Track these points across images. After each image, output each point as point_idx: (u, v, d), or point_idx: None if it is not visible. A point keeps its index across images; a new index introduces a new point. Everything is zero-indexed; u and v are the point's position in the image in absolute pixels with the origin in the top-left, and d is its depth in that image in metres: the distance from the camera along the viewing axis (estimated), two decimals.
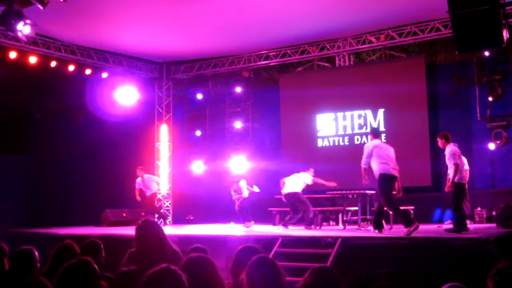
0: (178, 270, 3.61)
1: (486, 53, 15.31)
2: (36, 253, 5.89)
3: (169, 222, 20.14)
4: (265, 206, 16.26)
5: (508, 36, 9.93)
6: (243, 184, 15.78)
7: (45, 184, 20.60)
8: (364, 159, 11.97)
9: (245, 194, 15.67)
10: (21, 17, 12.73)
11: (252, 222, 15.43)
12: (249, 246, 5.18)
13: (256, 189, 15.84)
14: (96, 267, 4.88)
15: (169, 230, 15.59)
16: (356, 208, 13.74)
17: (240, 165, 19.35)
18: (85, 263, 4.83)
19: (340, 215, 14.80)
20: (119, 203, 18.83)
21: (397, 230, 12.68)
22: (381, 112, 17.57)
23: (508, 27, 10.26)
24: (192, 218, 17.89)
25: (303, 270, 10.26)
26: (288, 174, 15.90)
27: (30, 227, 17.11)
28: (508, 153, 14.88)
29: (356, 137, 17.95)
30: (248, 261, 4.37)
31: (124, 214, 18.25)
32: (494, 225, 12.82)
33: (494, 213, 13.95)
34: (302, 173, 14.92)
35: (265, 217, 16.21)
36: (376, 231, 11.89)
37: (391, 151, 12.07)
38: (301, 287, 4.08)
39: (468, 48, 10.41)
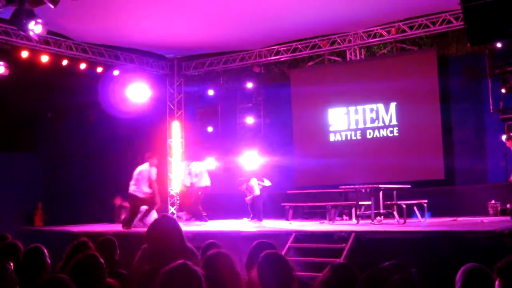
0: (194, 266, 3.61)
1: (498, 45, 15.22)
2: (46, 251, 5.92)
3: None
4: (278, 201, 16.24)
5: None
6: (254, 182, 15.74)
7: (58, 181, 20.67)
8: None
9: (257, 192, 15.64)
10: (32, 16, 12.76)
11: (261, 222, 15.36)
12: (264, 241, 5.19)
13: (267, 182, 15.76)
14: (103, 261, 4.90)
15: (183, 227, 15.64)
16: (369, 202, 13.70)
17: (252, 161, 19.34)
18: (92, 257, 4.86)
19: (353, 210, 14.77)
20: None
21: (411, 224, 12.67)
22: (393, 105, 17.50)
23: None
24: (205, 214, 17.85)
25: (317, 265, 10.32)
26: (301, 169, 15.95)
27: (43, 225, 17.19)
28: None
29: (368, 131, 17.90)
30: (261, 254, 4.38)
31: None
32: (508, 218, 12.76)
33: (508, 206, 13.87)
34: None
35: (278, 213, 16.20)
36: None
37: None
38: (320, 283, 4.07)
39: (480, 40, 10.39)
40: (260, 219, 15.38)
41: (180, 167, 17.89)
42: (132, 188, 15.34)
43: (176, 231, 5.14)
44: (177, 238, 5.11)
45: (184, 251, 5.14)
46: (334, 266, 4.18)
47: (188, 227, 15.30)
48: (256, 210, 15.54)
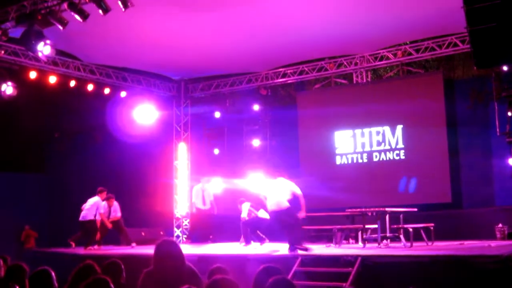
0: None
1: (505, 68, 15.21)
2: (53, 273, 5.90)
3: (182, 240, 20.18)
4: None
5: None
6: (245, 206, 15.77)
7: (65, 203, 20.68)
8: None
9: (243, 215, 15.67)
10: (41, 37, 12.86)
11: (247, 244, 15.29)
12: (270, 266, 5.14)
13: (262, 214, 15.54)
14: (113, 286, 4.88)
15: (189, 249, 15.57)
16: (376, 226, 13.64)
17: (258, 183, 19.31)
18: (101, 282, 4.84)
19: (359, 233, 14.69)
20: (138, 222, 18.82)
21: (418, 248, 12.60)
22: (399, 128, 17.50)
23: None
24: (211, 237, 17.84)
25: None
26: (307, 191, 15.84)
27: (50, 246, 17.15)
28: None
29: (374, 154, 17.88)
30: (270, 279, 4.34)
31: (143, 233, 18.25)
32: None
33: None
34: None
35: (283, 236, 16.12)
36: None
37: None
38: None
39: (487, 64, 10.37)
40: (247, 242, 15.34)
41: (196, 189, 17.87)
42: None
43: (179, 255, 5.14)
44: (180, 262, 5.11)
45: (188, 275, 5.13)
46: None
47: (194, 249, 15.27)
48: (243, 233, 15.52)
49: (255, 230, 15.49)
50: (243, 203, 15.90)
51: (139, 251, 14.91)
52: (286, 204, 12.04)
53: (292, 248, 11.71)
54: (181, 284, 3.92)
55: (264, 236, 15.50)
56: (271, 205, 12.20)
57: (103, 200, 16.18)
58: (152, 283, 5.10)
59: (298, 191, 12.26)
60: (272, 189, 12.31)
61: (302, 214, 12.05)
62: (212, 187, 18.50)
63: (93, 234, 15.94)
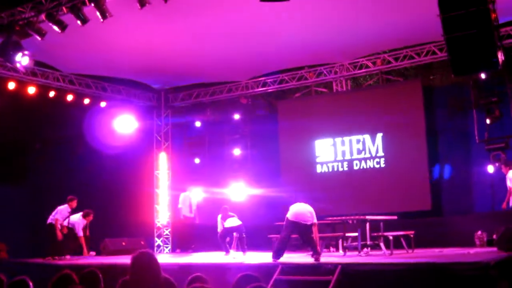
0: None
1: (483, 76, 15.37)
2: (31, 283, 5.85)
3: (169, 250, 20.13)
4: (265, 233, 16.17)
5: (503, 58, 9.96)
6: (218, 218, 15.94)
7: (45, 214, 20.49)
8: None
9: (218, 228, 15.84)
10: (19, 48, 12.83)
11: (227, 253, 15.29)
12: (248, 274, 5.16)
13: (229, 223, 15.34)
14: None
15: (169, 258, 15.53)
16: (356, 234, 13.66)
17: (239, 192, 19.33)
18: None
19: (340, 241, 14.71)
20: (118, 232, 18.72)
21: (398, 255, 12.64)
22: (379, 136, 17.58)
23: (503, 49, 10.29)
24: (193, 247, 17.82)
25: None
26: (288, 200, 15.84)
27: (30, 257, 17.01)
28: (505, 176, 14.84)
29: (355, 162, 17.95)
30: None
31: (124, 243, 18.14)
32: (495, 249, 12.72)
33: (494, 236, 13.86)
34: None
35: (265, 244, 16.12)
36: None
37: None
38: None
39: (464, 71, 10.44)
40: (226, 252, 15.35)
41: (183, 196, 17.92)
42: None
43: (155, 265, 5.16)
44: (156, 273, 5.13)
45: (164, 285, 5.14)
46: None
47: (174, 259, 15.24)
48: (220, 243, 15.55)
49: (225, 239, 15.54)
50: (218, 215, 16.02)
51: (119, 260, 14.85)
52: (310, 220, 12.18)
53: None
54: None
55: (228, 247, 15.51)
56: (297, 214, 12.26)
57: (82, 216, 16.02)
58: None
59: (315, 219, 12.41)
60: (296, 206, 12.38)
61: None
62: (195, 196, 18.53)
63: (54, 240, 15.75)
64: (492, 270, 9.39)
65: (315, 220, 12.33)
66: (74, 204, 16.04)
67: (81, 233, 16.11)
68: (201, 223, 18.09)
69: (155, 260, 5.25)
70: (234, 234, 15.74)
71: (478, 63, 9.89)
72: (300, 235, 12.48)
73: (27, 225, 20.34)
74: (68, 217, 15.98)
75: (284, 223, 12.41)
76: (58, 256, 15.62)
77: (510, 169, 13.67)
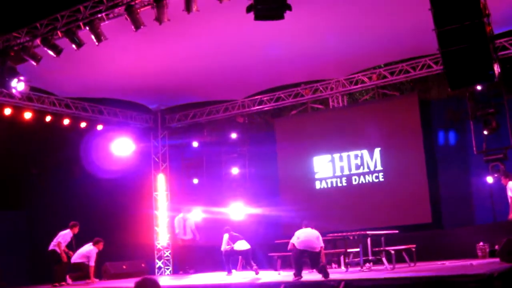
0: None
1: (479, 87, 15.40)
2: None
3: (170, 272, 20.04)
4: (265, 251, 16.11)
5: (499, 70, 9.97)
6: (224, 237, 15.54)
7: (44, 239, 20.39)
8: None
9: (222, 247, 15.46)
10: (15, 74, 12.83)
11: (225, 273, 15.21)
12: None
13: (238, 246, 15.17)
14: None
15: (169, 281, 15.43)
16: (358, 249, 13.60)
17: (238, 212, 19.28)
18: None
19: (342, 257, 14.65)
20: (119, 256, 18.64)
21: (400, 270, 12.59)
22: (377, 151, 17.57)
23: (499, 60, 10.30)
24: (187, 267, 17.80)
25: None
26: (288, 217, 15.84)
27: (30, 284, 16.92)
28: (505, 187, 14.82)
29: (354, 177, 17.93)
30: None
31: (124, 267, 18.06)
32: (497, 259, 12.68)
33: (496, 247, 13.82)
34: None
35: (266, 263, 16.07)
36: None
37: None
38: None
39: (460, 84, 10.43)
40: (225, 270, 15.24)
41: (177, 219, 17.94)
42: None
43: None
44: None
45: None
46: None
47: (176, 281, 15.16)
48: (224, 262, 15.40)
49: (230, 258, 15.42)
50: (224, 235, 15.75)
51: (121, 284, 14.77)
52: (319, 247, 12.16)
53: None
54: None
55: (231, 267, 15.43)
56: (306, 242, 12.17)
57: (93, 244, 15.96)
58: None
59: (322, 243, 12.42)
60: (304, 233, 12.29)
61: None
62: (193, 216, 18.51)
63: (57, 267, 15.66)
64: (496, 281, 9.36)
65: (322, 244, 12.32)
66: (76, 229, 15.98)
67: (93, 263, 15.92)
68: (201, 244, 18.02)
69: (159, 286, 5.19)
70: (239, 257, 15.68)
71: (474, 76, 9.88)
72: (309, 260, 12.43)
73: (24, 251, 20.26)
74: (69, 242, 15.86)
75: (292, 249, 12.33)
76: (62, 282, 15.49)
77: (510, 180, 13.65)
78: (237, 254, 15.39)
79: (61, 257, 15.48)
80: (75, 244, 16.46)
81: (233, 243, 15.26)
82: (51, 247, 15.67)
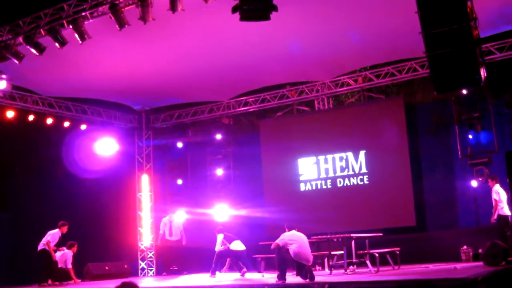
0: None
1: (464, 92, 15.42)
2: None
3: (153, 273, 19.92)
4: (249, 253, 16.01)
5: (485, 75, 9.96)
6: (218, 237, 15.29)
7: (27, 239, 20.26)
8: None
9: (216, 247, 15.22)
10: None
11: (213, 275, 14.97)
12: None
13: (235, 246, 15.02)
14: None
15: (153, 282, 15.34)
16: (342, 252, 13.57)
17: (222, 213, 19.20)
18: None
19: (325, 260, 14.61)
20: (101, 256, 18.51)
21: (384, 273, 12.57)
22: (362, 153, 17.55)
23: (485, 65, 10.29)
24: (176, 268, 17.63)
25: None
26: (273, 219, 15.78)
27: (11, 285, 16.77)
28: (491, 189, 14.84)
29: (338, 179, 17.88)
30: None
31: (107, 267, 17.93)
32: (481, 263, 12.70)
33: (480, 250, 13.85)
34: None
35: (250, 265, 15.98)
36: None
37: None
38: None
39: (447, 88, 10.42)
40: (212, 274, 14.91)
41: (163, 221, 17.87)
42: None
43: None
44: None
45: None
46: None
47: (159, 283, 15.06)
48: (214, 262, 15.12)
49: (221, 260, 15.26)
50: (218, 235, 15.47)
51: (103, 286, 14.65)
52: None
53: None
54: None
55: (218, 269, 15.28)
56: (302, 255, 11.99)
57: (67, 248, 15.89)
58: None
59: None
60: (299, 240, 12.10)
61: None
62: (179, 218, 18.42)
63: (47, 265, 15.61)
64: (480, 285, 9.34)
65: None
66: (65, 229, 15.88)
67: (70, 266, 15.87)
68: (186, 244, 17.93)
69: None
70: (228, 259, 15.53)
71: (460, 80, 9.88)
72: (297, 268, 12.33)
73: (6, 251, 20.10)
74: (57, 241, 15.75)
75: (275, 250, 12.19)
76: (48, 281, 15.50)
77: (496, 182, 13.68)
78: (233, 255, 15.13)
79: (50, 256, 15.40)
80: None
81: (229, 243, 15.11)
82: (40, 246, 15.58)
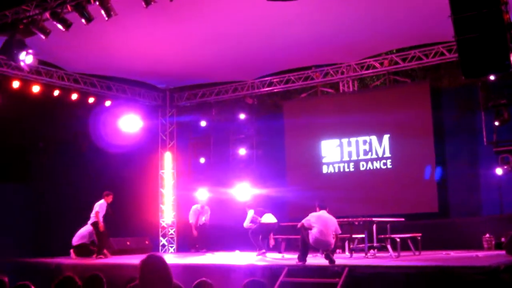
0: None
1: (492, 77, 15.19)
2: None
3: (174, 250, 20.03)
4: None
5: None
6: (249, 213, 15.30)
7: (50, 212, 20.44)
8: None
9: (245, 223, 15.23)
10: (23, 46, 12.72)
11: (263, 251, 14.98)
12: (255, 280, 5.03)
13: (266, 218, 15.06)
14: None
15: (174, 259, 15.42)
16: (363, 235, 13.54)
17: (244, 192, 19.21)
18: None
19: (346, 243, 14.60)
20: (123, 232, 18.66)
21: (405, 258, 12.53)
22: (386, 137, 17.43)
23: None
24: (197, 246, 17.69)
25: None
26: (294, 200, 15.75)
27: (34, 256, 16.96)
28: None
29: (361, 163, 17.81)
30: None
31: (128, 243, 18.10)
32: (503, 252, 12.61)
33: (503, 239, 13.74)
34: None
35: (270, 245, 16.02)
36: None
37: None
38: None
39: (475, 73, 10.28)
40: (260, 249, 14.96)
41: (193, 209, 17.68)
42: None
43: (166, 270, 5.00)
44: (168, 277, 4.98)
45: None
46: None
47: (180, 259, 15.14)
48: (254, 242, 15.09)
49: (259, 236, 15.13)
50: (248, 211, 15.44)
51: (124, 261, 14.77)
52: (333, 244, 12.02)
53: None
54: None
55: (269, 243, 15.23)
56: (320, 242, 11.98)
57: (102, 198, 16.60)
58: None
59: (339, 230, 12.24)
60: (320, 225, 12.04)
61: None
62: (203, 196, 18.29)
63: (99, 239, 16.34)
64: (502, 274, 9.28)
65: (339, 231, 12.19)
66: (110, 198, 16.63)
67: (95, 237, 16.62)
68: (206, 223, 17.96)
69: (166, 263, 5.09)
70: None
71: (489, 65, 9.71)
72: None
73: (30, 224, 20.27)
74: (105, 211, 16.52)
75: (303, 229, 12.19)
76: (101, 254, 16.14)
77: None
78: (265, 228, 15.07)
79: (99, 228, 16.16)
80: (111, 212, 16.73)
81: (260, 217, 15.07)
82: (91, 220, 16.36)
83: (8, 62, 15.04)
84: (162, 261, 5.15)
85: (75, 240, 16.75)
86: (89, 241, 16.70)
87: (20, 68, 14.70)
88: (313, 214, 12.23)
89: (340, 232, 12.23)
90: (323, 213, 12.24)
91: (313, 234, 11.91)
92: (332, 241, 11.94)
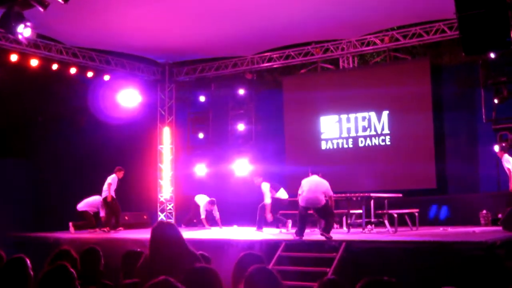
0: (176, 282, 3.45)
1: (492, 55, 15.15)
2: (28, 261, 5.68)
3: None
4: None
5: None
6: (265, 187, 14.88)
7: (49, 187, 20.48)
8: None
9: (267, 199, 14.77)
10: (21, 19, 12.62)
11: (259, 231, 14.92)
12: (251, 253, 5.04)
13: (280, 194, 14.85)
14: (74, 272, 4.75)
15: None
16: (360, 211, 13.59)
17: (243, 168, 19.23)
18: (61, 269, 4.71)
19: (344, 218, 14.64)
20: (121, 206, 18.70)
21: (402, 233, 12.58)
22: (385, 114, 17.42)
23: None
24: (195, 221, 17.72)
25: (307, 275, 10.20)
26: (293, 176, 15.74)
27: (34, 231, 17.01)
28: (501, 160, 14.73)
29: (360, 139, 17.81)
30: (249, 268, 4.23)
31: (126, 217, 18.13)
32: (500, 228, 12.68)
33: (499, 215, 13.81)
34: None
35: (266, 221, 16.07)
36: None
37: None
38: None
39: (476, 50, 10.28)
40: (259, 228, 14.95)
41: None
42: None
43: (178, 235, 5.01)
44: (181, 243, 4.97)
45: (187, 257, 4.98)
46: (323, 282, 4.03)
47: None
48: (259, 217, 14.93)
49: (277, 212, 15.02)
50: (262, 184, 14.99)
51: (121, 235, 14.84)
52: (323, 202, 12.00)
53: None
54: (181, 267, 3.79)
55: (285, 219, 15.11)
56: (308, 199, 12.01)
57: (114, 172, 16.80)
58: (149, 268, 4.91)
59: (331, 192, 12.23)
60: (309, 185, 12.06)
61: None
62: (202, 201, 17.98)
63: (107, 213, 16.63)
64: (498, 249, 9.33)
65: (331, 193, 12.19)
66: (121, 174, 16.80)
67: (103, 214, 16.85)
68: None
69: (178, 230, 5.08)
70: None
71: (490, 43, 9.71)
72: (315, 213, 12.42)
73: (30, 199, 20.31)
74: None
75: (299, 203, 12.28)
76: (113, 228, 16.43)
77: (505, 152, 13.67)
78: (278, 204, 14.88)
79: (114, 200, 16.52)
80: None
81: (276, 191, 14.95)
82: (103, 194, 16.53)
83: (6, 35, 14.95)
84: (173, 226, 5.16)
85: (81, 206, 16.88)
86: (93, 212, 16.78)
87: (18, 41, 14.60)
88: (303, 180, 12.32)
89: (332, 194, 12.22)
90: (314, 177, 12.33)
91: (303, 195, 12.01)
92: (322, 198, 11.93)
